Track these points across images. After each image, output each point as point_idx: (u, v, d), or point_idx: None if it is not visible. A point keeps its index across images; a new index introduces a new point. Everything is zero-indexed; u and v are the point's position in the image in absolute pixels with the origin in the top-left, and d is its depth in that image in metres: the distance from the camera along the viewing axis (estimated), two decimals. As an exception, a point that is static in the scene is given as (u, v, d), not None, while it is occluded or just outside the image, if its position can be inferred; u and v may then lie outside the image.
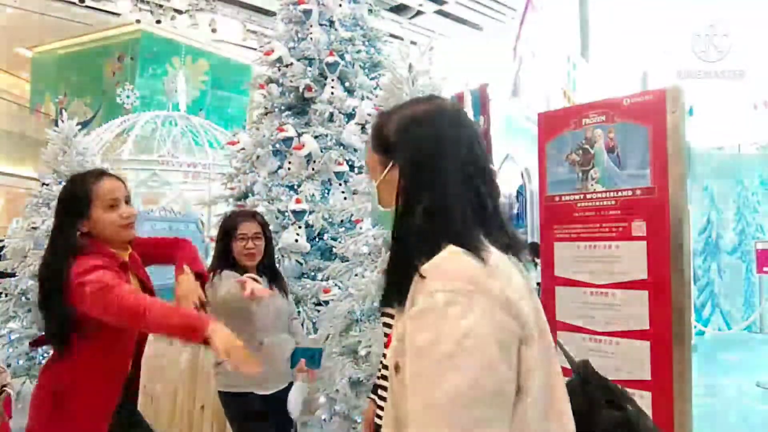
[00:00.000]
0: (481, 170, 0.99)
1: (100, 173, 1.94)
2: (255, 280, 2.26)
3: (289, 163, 4.31)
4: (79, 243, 1.82)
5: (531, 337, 0.88)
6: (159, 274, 2.20)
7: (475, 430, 0.80)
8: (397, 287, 0.96)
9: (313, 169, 4.26)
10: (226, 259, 2.53)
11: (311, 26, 4.51)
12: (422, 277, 0.90)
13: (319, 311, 3.81)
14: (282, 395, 2.50)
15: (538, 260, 3.12)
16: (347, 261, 3.43)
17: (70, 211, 1.87)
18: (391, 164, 1.01)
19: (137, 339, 1.98)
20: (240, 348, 1.57)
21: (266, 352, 2.40)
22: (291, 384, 2.54)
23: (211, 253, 2.84)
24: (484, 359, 0.82)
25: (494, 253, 0.93)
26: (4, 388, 2.34)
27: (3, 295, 4.41)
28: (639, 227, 2.60)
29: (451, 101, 1.09)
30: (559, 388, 0.97)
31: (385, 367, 1.96)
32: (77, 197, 1.86)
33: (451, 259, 0.91)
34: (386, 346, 0.95)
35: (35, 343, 2.14)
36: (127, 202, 1.92)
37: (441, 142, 0.98)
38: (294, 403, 2.49)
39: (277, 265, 2.97)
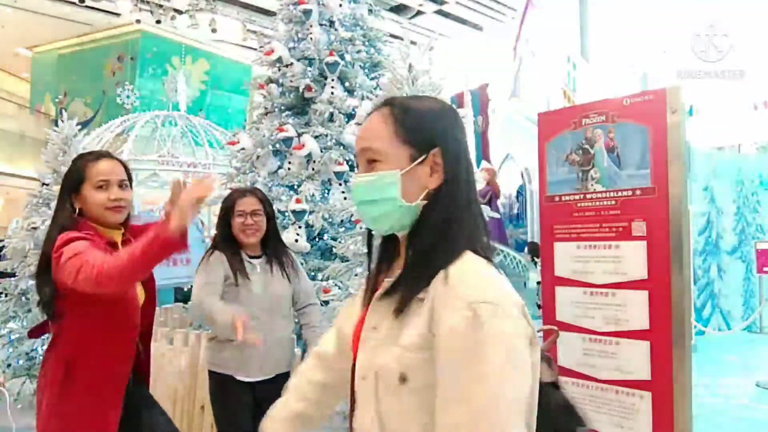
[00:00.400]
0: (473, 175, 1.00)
1: (100, 155, 1.99)
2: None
3: (289, 163, 4.31)
4: (70, 218, 1.89)
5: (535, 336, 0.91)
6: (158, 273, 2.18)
7: None
8: (414, 290, 0.92)
9: (313, 169, 4.26)
10: (226, 237, 2.47)
11: (311, 26, 4.51)
12: (446, 283, 0.88)
13: (319, 311, 3.81)
14: (270, 386, 2.33)
15: (537, 259, 3.12)
16: (347, 261, 3.43)
17: (65, 187, 1.96)
18: (423, 157, 0.95)
19: (143, 314, 1.99)
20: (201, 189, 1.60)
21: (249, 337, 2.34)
22: (284, 375, 2.40)
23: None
24: (526, 367, 0.85)
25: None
26: None
27: (3, 295, 4.40)
28: (639, 227, 2.60)
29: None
30: None
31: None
32: (72, 174, 1.95)
33: (478, 267, 0.90)
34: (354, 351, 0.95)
35: (33, 332, 2.16)
36: (122, 186, 1.94)
37: (465, 140, 0.98)
38: None
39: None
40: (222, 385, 2.43)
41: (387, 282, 0.97)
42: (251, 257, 2.51)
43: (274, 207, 2.75)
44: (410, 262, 0.95)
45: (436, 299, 0.88)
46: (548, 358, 1.55)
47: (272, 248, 2.56)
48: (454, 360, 0.84)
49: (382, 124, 0.98)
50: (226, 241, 2.48)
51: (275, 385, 2.41)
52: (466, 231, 0.94)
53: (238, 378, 2.41)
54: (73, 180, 1.94)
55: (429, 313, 0.88)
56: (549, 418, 1.27)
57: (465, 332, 0.83)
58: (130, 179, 2.03)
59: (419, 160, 0.95)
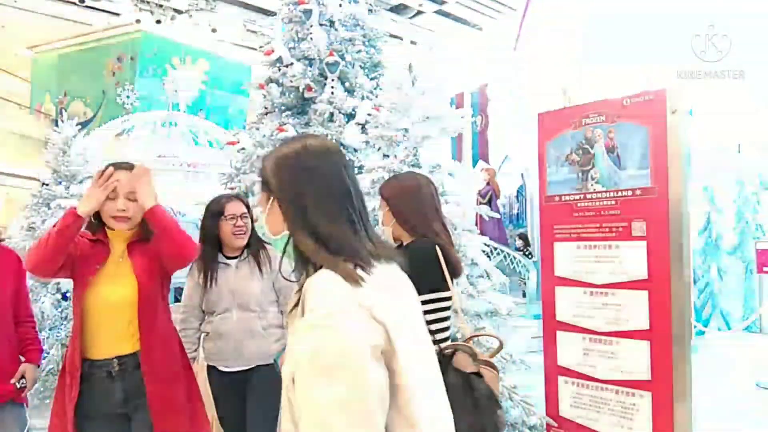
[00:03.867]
0: (347, 193, 1.14)
1: (119, 165, 2.07)
2: None
3: (289, 163, 4.30)
4: (90, 223, 2.11)
5: (394, 345, 0.99)
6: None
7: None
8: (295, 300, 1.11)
9: (313, 169, 4.26)
10: (214, 241, 2.61)
11: (311, 26, 4.51)
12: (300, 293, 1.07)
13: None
14: (249, 375, 2.57)
15: (530, 248, 3.12)
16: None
17: None
18: (271, 199, 1.17)
19: (140, 314, 2.07)
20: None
21: (222, 328, 2.55)
22: (266, 366, 2.59)
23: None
24: (358, 370, 0.94)
25: (375, 268, 1.07)
26: None
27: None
28: (639, 227, 2.60)
29: (319, 137, 1.23)
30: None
31: None
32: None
33: (321, 282, 1.04)
34: None
35: None
36: (132, 199, 2.05)
37: (306, 174, 1.13)
38: None
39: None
40: (210, 377, 2.68)
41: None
42: (229, 258, 2.65)
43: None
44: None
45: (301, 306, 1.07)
46: (471, 350, 1.81)
47: (252, 248, 2.68)
48: (293, 359, 1.03)
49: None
50: (211, 242, 2.62)
51: (256, 374, 2.55)
52: (318, 249, 1.11)
53: (220, 368, 2.62)
54: None
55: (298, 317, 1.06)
56: (474, 402, 1.62)
57: (301, 333, 1.01)
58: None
59: (270, 201, 1.20)
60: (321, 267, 1.06)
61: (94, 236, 2.10)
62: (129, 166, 2.09)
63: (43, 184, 4.38)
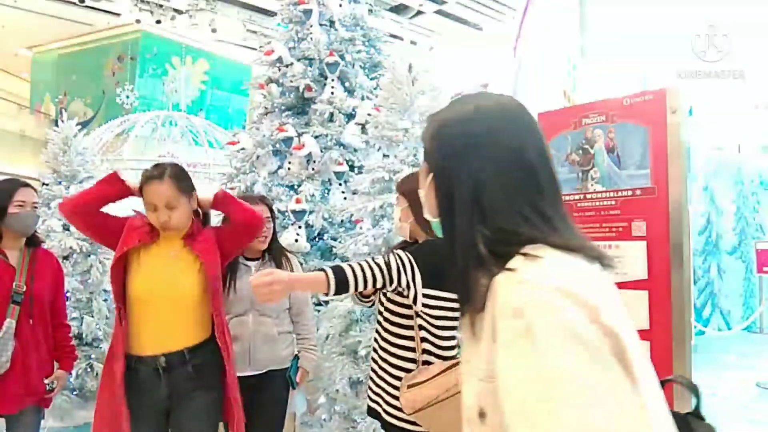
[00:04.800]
0: (530, 175, 0.86)
1: (148, 177, 2.13)
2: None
3: (289, 163, 4.31)
4: None
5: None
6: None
7: None
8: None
9: (313, 169, 4.26)
10: None
11: (311, 26, 4.51)
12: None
13: (319, 311, 3.82)
14: (261, 379, 2.53)
15: None
16: (347, 261, 3.43)
17: None
18: (431, 174, 0.93)
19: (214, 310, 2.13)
20: None
21: (237, 331, 2.49)
22: (277, 371, 2.57)
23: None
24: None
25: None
26: None
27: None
28: (639, 227, 2.60)
29: (504, 97, 0.97)
30: None
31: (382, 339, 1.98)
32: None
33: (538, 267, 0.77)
34: None
35: None
36: (170, 207, 2.08)
37: (472, 146, 0.87)
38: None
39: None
40: None
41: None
42: (249, 260, 2.63)
43: (274, 207, 2.82)
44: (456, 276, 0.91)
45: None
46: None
47: (273, 251, 2.66)
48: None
49: None
50: None
51: (267, 379, 2.53)
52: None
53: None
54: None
55: (489, 331, 0.79)
56: None
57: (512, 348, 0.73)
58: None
59: (430, 176, 0.95)
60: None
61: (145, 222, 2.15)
62: (159, 175, 2.09)
63: (43, 184, 4.37)
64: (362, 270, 1.78)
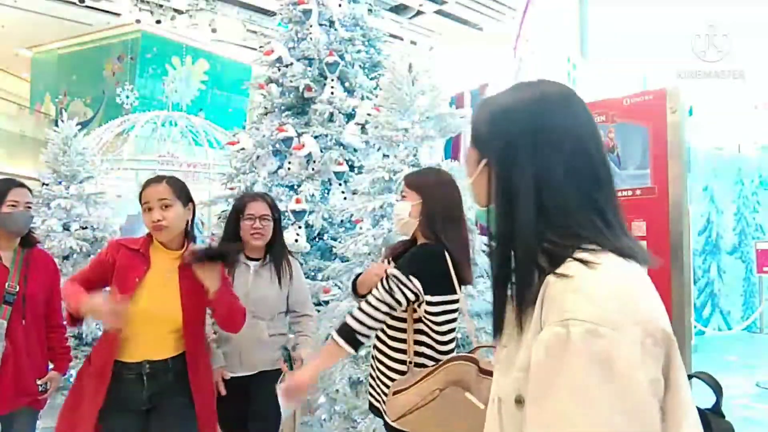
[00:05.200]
0: (590, 167, 0.85)
1: (146, 182, 2.12)
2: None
3: (289, 163, 4.30)
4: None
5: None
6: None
7: None
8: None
9: (313, 169, 4.26)
10: (232, 237, 2.58)
11: (311, 26, 4.51)
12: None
13: (319, 311, 3.81)
14: (253, 380, 2.53)
15: None
16: (347, 261, 3.43)
17: None
18: (484, 161, 0.90)
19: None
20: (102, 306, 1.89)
21: (223, 335, 2.48)
22: (270, 371, 2.52)
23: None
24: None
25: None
26: None
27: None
28: (639, 227, 2.60)
29: (564, 85, 0.93)
30: None
31: (381, 341, 1.98)
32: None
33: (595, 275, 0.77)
34: None
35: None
36: (165, 206, 2.06)
37: (540, 136, 0.84)
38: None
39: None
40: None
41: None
42: (250, 259, 2.61)
43: (275, 207, 2.80)
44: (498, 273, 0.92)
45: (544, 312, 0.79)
46: (474, 360, 1.72)
47: (275, 253, 2.64)
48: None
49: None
50: (231, 241, 2.58)
51: (261, 380, 2.51)
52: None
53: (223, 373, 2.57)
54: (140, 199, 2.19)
55: (536, 327, 0.80)
56: None
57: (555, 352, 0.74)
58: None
59: (481, 164, 0.92)
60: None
61: (135, 246, 2.11)
62: (157, 179, 2.11)
63: (43, 184, 4.37)
64: (366, 314, 1.81)
